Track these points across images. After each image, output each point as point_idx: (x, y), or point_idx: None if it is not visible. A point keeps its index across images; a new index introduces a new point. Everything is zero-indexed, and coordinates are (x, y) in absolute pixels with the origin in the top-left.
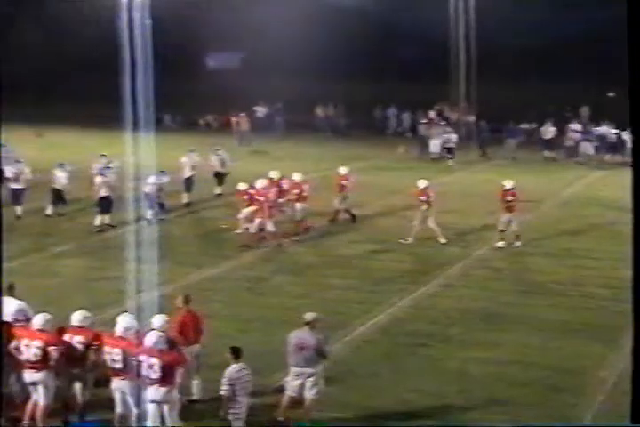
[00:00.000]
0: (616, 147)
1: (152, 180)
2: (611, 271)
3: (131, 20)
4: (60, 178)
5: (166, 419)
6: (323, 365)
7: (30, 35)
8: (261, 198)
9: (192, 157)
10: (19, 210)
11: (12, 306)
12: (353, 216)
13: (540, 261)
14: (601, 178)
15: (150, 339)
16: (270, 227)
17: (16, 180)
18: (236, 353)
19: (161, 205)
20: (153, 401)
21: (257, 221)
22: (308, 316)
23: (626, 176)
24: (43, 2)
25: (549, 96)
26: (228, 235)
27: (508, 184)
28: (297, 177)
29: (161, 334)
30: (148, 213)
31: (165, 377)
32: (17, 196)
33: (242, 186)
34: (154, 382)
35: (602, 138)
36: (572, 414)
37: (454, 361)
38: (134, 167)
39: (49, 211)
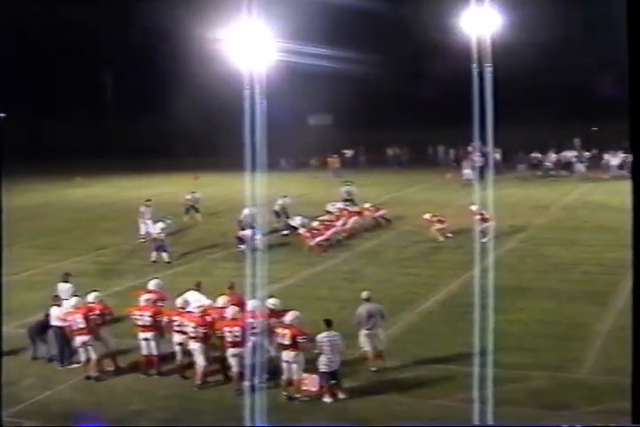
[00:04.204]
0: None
1: (280, 202)
2: (600, 254)
3: (252, 101)
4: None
5: (294, 374)
6: (383, 326)
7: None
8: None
9: (346, 189)
10: (153, 255)
11: (195, 298)
12: (388, 220)
13: (551, 249)
14: (589, 188)
15: (288, 317)
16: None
17: (159, 233)
18: (328, 323)
19: (285, 222)
20: (286, 362)
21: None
22: (364, 294)
23: (606, 186)
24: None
25: (551, 132)
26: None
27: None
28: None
29: (297, 313)
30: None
31: (294, 344)
32: (159, 246)
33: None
34: (285, 347)
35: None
36: (579, 355)
37: (492, 323)
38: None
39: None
